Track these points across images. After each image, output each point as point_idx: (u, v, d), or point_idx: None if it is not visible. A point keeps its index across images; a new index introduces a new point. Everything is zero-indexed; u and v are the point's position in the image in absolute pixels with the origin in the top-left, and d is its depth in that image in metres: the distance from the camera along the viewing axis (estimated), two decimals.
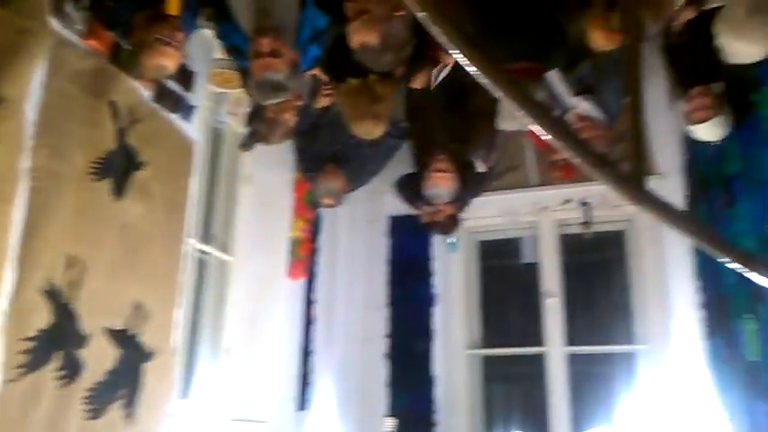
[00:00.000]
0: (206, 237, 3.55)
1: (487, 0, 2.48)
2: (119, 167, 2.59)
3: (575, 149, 0.69)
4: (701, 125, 2.71)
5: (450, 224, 4.03)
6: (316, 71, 2.96)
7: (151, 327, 2.69)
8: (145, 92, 2.75)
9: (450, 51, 0.63)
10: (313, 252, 4.22)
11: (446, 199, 3.71)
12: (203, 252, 3.50)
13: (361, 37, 2.09)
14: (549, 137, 0.69)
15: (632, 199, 0.74)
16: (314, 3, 2.26)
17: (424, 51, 3.07)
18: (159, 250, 2.80)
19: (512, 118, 2.68)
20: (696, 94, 2.70)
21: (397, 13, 2.08)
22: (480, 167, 3.87)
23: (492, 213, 4.54)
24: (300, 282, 4.09)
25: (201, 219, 3.48)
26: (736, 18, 1.98)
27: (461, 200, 3.91)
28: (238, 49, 2.48)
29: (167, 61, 2.37)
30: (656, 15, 2.21)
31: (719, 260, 0.83)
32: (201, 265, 3.53)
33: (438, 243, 4.56)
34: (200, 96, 3.14)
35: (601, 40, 2.42)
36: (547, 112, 0.68)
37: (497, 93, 0.66)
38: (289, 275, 3.89)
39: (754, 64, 2.26)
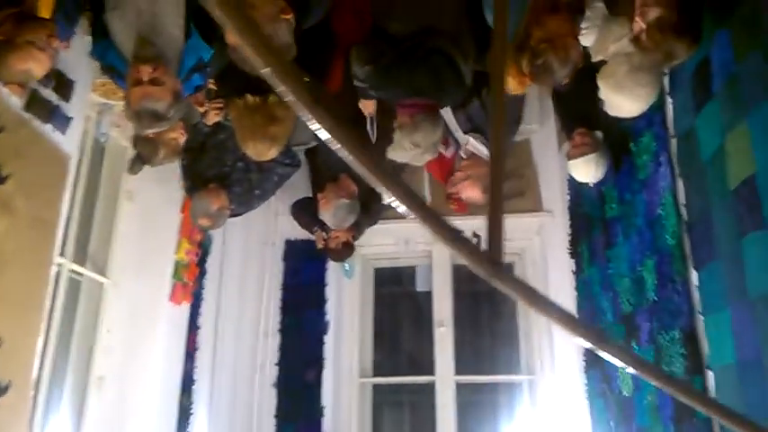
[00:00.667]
0: (81, 257, 3.29)
1: (390, 40, 2.47)
2: None
3: (427, 221, 0.65)
4: (578, 161, 2.82)
5: (344, 251, 3.98)
6: (209, 84, 2.84)
7: (5, 357, 2.43)
8: (14, 99, 2.52)
9: (299, 113, 0.56)
10: (200, 275, 4.02)
11: (344, 224, 3.66)
12: (76, 273, 3.25)
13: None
14: (403, 207, 0.64)
15: (487, 274, 0.70)
16: (199, 34, 2.15)
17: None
18: (21, 272, 2.54)
19: (401, 149, 2.67)
20: (577, 134, 2.82)
21: (284, 16, 2.02)
22: (384, 196, 3.85)
23: (388, 241, 4.54)
24: (184, 307, 3.87)
25: (76, 237, 3.23)
26: (618, 75, 2.07)
27: (357, 226, 3.87)
28: (116, 70, 2.32)
29: (37, 67, 2.16)
30: (563, 61, 2.26)
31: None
32: (74, 286, 3.27)
33: (333, 269, 4.49)
34: (79, 107, 2.91)
35: (510, 83, 2.47)
36: (400, 180, 0.62)
37: (346, 156, 0.60)
38: (171, 300, 3.67)
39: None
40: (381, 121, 3.12)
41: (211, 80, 2.78)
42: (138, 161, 3.12)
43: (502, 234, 0.71)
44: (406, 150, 2.72)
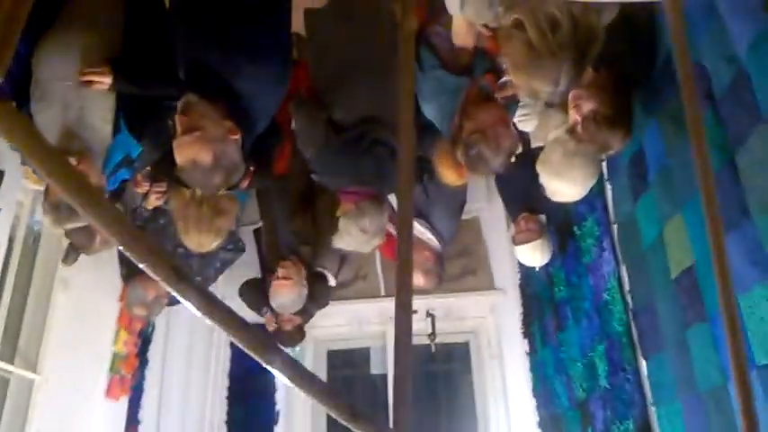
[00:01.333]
0: (9, 352, 3.09)
1: (334, 126, 2.45)
2: None
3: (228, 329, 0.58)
4: (523, 247, 2.82)
5: (296, 335, 3.85)
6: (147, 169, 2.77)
7: None
8: None
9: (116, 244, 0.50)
10: (141, 366, 3.81)
11: (292, 309, 3.54)
12: (4, 371, 3.03)
13: (191, 153, 1.94)
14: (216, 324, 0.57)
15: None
16: (128, 130, 2.09)
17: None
18: None
19: (348, 235, 2.61)
20: (521, 219, 2.82)
21: (232, 136, 1.98)
22: (330, 281, 3.77)
23: (340, 322, 4.42)
24: (122, 401, 3.65)
25: (5, 331, 3.03)
26: (554, 161, 2.08)
27: (308, 310, 3.76)
28: None
29: None
30: (495, 150, 2.28)
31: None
32: (2, 385, 3.05)
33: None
34: (9, 197, 2.80)
35: (450, 176, 2.46)
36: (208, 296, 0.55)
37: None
38: (107, 395, 3.45)
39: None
40: (321, 208, 3.08)
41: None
42: (73, 251, 2.98)
43: (409, 410, 0.64)
44: (353, 237, 2.66)
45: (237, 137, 2.00)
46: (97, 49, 2.09)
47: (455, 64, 2.31)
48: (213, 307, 0.58)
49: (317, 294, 3.68)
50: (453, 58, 2.31)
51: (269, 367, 0.64)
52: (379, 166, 2.48)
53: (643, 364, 2.30)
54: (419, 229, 2.93)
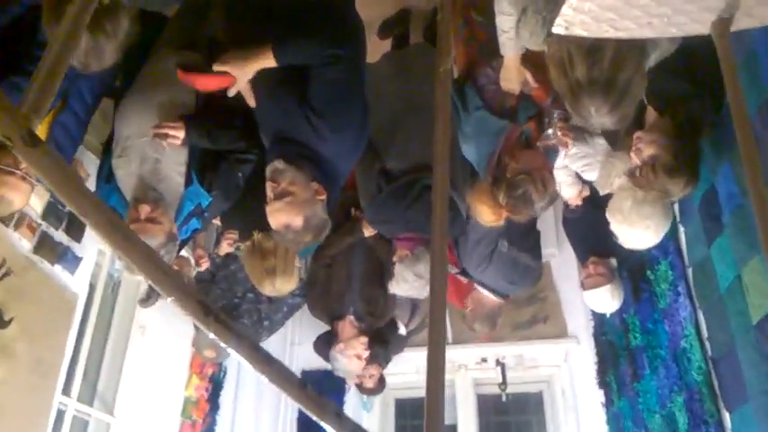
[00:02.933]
0: (89, 394, 3.21)
1: (386, 176, 2.49)
2: None
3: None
4: (592, 292, 2.72)
5: (378, 386, 3.82)
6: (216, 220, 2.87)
7: None
8: (24, 242, 2.57)
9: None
10: (212, 411, 3.87)
11: (355, 374, 3.52)
12: (84, 413, 3.15)
13: (284, 218, 2.05)
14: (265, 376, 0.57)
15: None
16: (199, 182, 2.21)
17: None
18: (18, 418, 2.47)
19: (404, 281, 2.60)
20: (590, 263, 2.73)
21: (319, 197, 2.06)
22: (401, 329, 3.74)
23: (408, 370, 4.35)
24: None
25: (85, 374, 3.16)
26: (624, 210, 2.02)
27: (385, 358, 3.72)
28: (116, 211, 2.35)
29: (10, 192, 2.03)
30: (542, 193, 2.26)
31: None
32: (80, 427, 3.17)
33: (351, 401, 4.30)
34: (90, 246, 2.96)
35: (487, 215, 2.44)
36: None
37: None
38: None
39: None
40: (380, 254, 3.09)
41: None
42: (153, 294, 3.10)
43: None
44: (409, 282, 2.65)
45: (324, 197, 2.08)
46: (172, 106, 2.22)
47: (499, 106, 2.32)
48: (241, 341, 0.59)
49: (392, 343, 3.65)
50: (498, 100, 2.32)
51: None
52: (431, 212, 2.48)
53: (726, 416, 2.14)
54: (480, 290, 2.92)
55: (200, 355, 3.34)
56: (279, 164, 2.03)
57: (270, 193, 2.04)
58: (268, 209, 2.07)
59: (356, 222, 3.08)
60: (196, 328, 3.45)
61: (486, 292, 2.92)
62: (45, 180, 0.53)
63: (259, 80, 2.10)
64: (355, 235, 3.15)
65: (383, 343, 3.57)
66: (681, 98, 1.83)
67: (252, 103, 2.19)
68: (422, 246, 2.49)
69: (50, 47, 0.58)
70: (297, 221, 2.02)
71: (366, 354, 3.26)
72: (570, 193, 2.60)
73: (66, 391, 2.94)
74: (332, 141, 2.10)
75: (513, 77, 2.21)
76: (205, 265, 3.17)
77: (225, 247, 3.20)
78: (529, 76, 2.15)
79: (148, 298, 3.14)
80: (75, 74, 2.08)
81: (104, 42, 1.81)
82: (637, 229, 2.05)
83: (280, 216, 2.04)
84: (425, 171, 2.34)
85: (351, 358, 3.22)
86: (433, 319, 0.66)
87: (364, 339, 3.24)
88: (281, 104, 2.11)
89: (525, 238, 2.84)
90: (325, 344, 3.78)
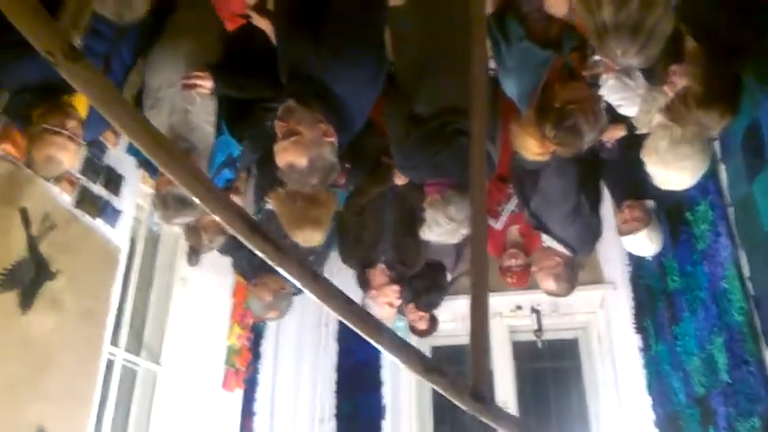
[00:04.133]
0: (136, 345, 3.33)
1: (414, 119, 2.45)
2: (28, 278, 2.42)
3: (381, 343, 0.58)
4: (630, 237, 2.66)
5: (431, 327, 3.87)
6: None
7: None
8: (65, 196, 2.63)
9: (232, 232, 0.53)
10: (254, 360, 3.99)
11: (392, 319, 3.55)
12: (131, 362, 3.28)
13: (289, 157, 2.03)
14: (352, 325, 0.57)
15: (470, 410, 0.62)
16: (229, 131, 2.21)
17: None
18: (70, 367, 2.58)
19: (436, 225, 2.58)
20: (626, 207, 2.67)
21: (327, 139, 2.05)
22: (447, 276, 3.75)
23: (444, 318, 4.39)
24: (238, 393, 3.84)
25: (130, 326, 3.27)
26: (661, 149, 1.96)
27: (427, 305, 3.75)
28: (151, 164, 2.38)
29: (59, 153, 2.07)
30: (592, 124, 2.16)
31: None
32: (129, 375, 3.30)
33: None
34: (129, 200, 3.02)
35: (534, 148, 2.37)
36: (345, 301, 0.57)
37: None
38: (223, 387, 3.64)
39: None
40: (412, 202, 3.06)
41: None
42: (194, 252, 3.16)
43: (486, 363, 0.63)
44: (441, 226, 2.63)
45: (333, 139, 2.06)
46: (199, 55, 2.22)
47: (543, 36, 2.23)
48: (288, 259, 0.60)
49: (441, 285, 3.65)
50: (542, 29, 2.23)
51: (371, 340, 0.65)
52: (462, 156, 2.44)
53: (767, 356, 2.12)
54: (551, 242, 2.86)
55: (265, 318, 3.38)
56: (289, 103, 2.01)
57: (278, 132, 2.03)
58: (275, 148, 2.05)
59: (387, 170, 3.06)
60: (251, 293, 3.51)
61: (560, 248, 2.84)
62: (87, 95, 0.54)
63: (277, 14, 2.07)
64: (386, 183, 3.14)
65: (428, 288, 3.57)
66: (719, 27, 1.74)
67: (269, 30, 2.16)
68: (451, 189, 2.46)
69: None
70: (301, 162, 2.00)
71: (398, 302, 3.28)
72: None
73: (114, 341, 3.05)
74: (344, 78, 2.06)
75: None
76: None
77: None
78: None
79: (191, 257, 3.19)
80: (117, 37, 2.09)
81: None
82: (673, 170, 1.98)
83: (284, 155, 2.02)
84: (454, 114, 2.30)
85: (382, 306, 3.23)
86: (476, 265, 0.66)
87: (396, 287, 3.26)
88: (295, 38, 2.08)
89: (596, 192, 2.79)
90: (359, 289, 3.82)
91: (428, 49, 2.44)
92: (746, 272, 2.22)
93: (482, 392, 0.64)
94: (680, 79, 1.78)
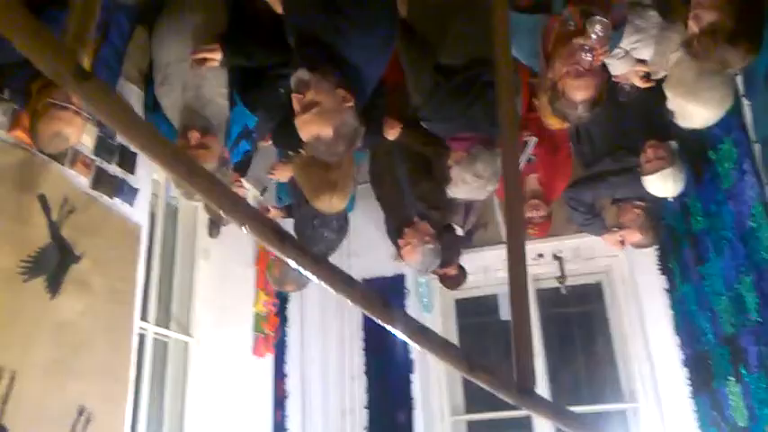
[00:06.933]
0: (165, 318, 3.39)
1: (443, 71, 2.38)
2: (53, 263, 2.45)
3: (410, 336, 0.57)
4: (653, 176, 2.61)
5: (460, 277, 3.91)
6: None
7: (96, 430, 2.51)
8: (81, 179, 2.64)
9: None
10: (281, 324, 4.05)
11: (430, 268, 3.55)
12: (162, 336, 3.34)
13: (314, 130, 2.00)
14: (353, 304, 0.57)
15: (516, 402, 0.62)
16: (242, 102, 2.17)
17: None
18: (103, 346, 2.63)
19: (463, 183, 2.56)
20: (649, 147, 2.61)
21: (347, 104, 2.01)
22: (458, 230, 3.75)
23: (468, 270, 4.41)
24: (268, 357, 3.91)
25: (158, 301, 3.32)
26: (686, 82, 1.89)
27: (451, 258, 3.76)
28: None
29: (66, 128, 2.05)
30: (571, 105, 2.11)
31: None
32: (161, 349, 3.36)
33: (412, 304, 4.41)
34: (145, 177, 3.02)
35: (555, 123, 2.34)
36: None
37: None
38: (254, 353, 3.71)
39: None
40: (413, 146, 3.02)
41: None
42: (215, 224, 3.17)
43: (531, 357, 0.62)
44: (469, 184, 2.60)
45: (351, 103, 2.02)
46: (206, 27, 2.17)
47: (527, 2, 2.16)
48: (320, 265, 0.59)
49: (451, 245, 3.66)
50: None
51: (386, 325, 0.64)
52: (492, 110, 2.39)
53: None
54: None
55: (287, 290, 3.41)
56: (302, 73, 1.96)
57: (296, 106, 1.98)
58: (296, 122, 2.01)
59: (378, 125, 2.99)
60: (272, 265, 3.52)
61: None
62: (100, 114, 0.52)
63: None
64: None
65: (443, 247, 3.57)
66: None
67: (278, 9, 2.11)
68: (478, 145, 2.42)
69: None
70: (327, 132, 1.96)
71: (429, 237, 3.27)
72: (622, 68, 2.42)
73: (144, 316, 3.10)
74: (358, 42, 2.01)
75: None
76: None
77: (281, 173, 3.15)
78: None
79: (212, 229, 3.20)
80: (113, 5, 2.04)
81: None
82: (700, 102, 1.92)
83: (309, 128, 1.98)
84: (483, 66, 2.24)
85: (413, 251, 3.23)
86: (511, 213, 0.64)
87: (432, 232, 3.26)
88: (304, 2, 2.03)
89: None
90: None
91: (448, 8, 2.36)
92: None
93: (528, 386, 0.63)
94: (706, 13, 1.70)
